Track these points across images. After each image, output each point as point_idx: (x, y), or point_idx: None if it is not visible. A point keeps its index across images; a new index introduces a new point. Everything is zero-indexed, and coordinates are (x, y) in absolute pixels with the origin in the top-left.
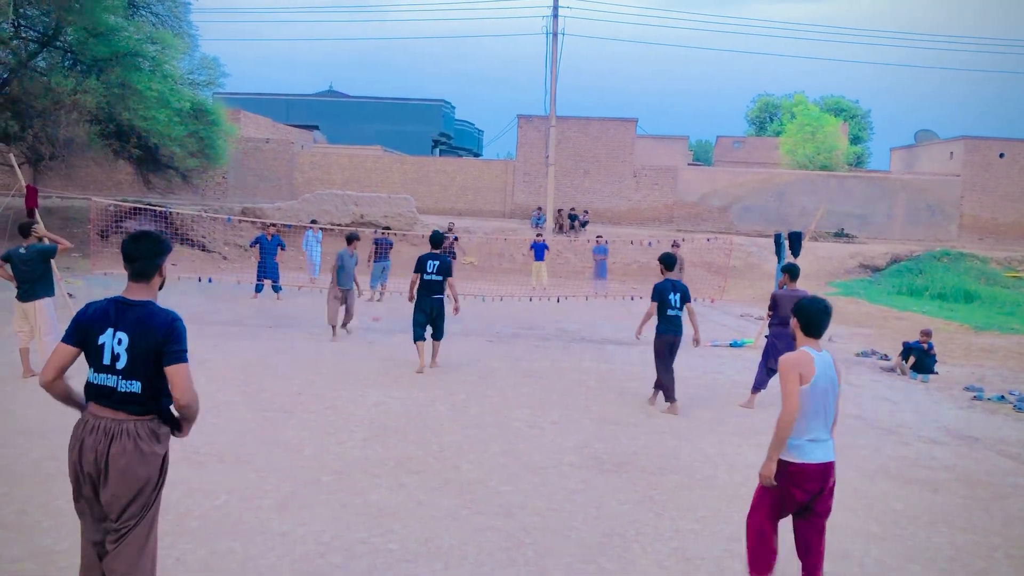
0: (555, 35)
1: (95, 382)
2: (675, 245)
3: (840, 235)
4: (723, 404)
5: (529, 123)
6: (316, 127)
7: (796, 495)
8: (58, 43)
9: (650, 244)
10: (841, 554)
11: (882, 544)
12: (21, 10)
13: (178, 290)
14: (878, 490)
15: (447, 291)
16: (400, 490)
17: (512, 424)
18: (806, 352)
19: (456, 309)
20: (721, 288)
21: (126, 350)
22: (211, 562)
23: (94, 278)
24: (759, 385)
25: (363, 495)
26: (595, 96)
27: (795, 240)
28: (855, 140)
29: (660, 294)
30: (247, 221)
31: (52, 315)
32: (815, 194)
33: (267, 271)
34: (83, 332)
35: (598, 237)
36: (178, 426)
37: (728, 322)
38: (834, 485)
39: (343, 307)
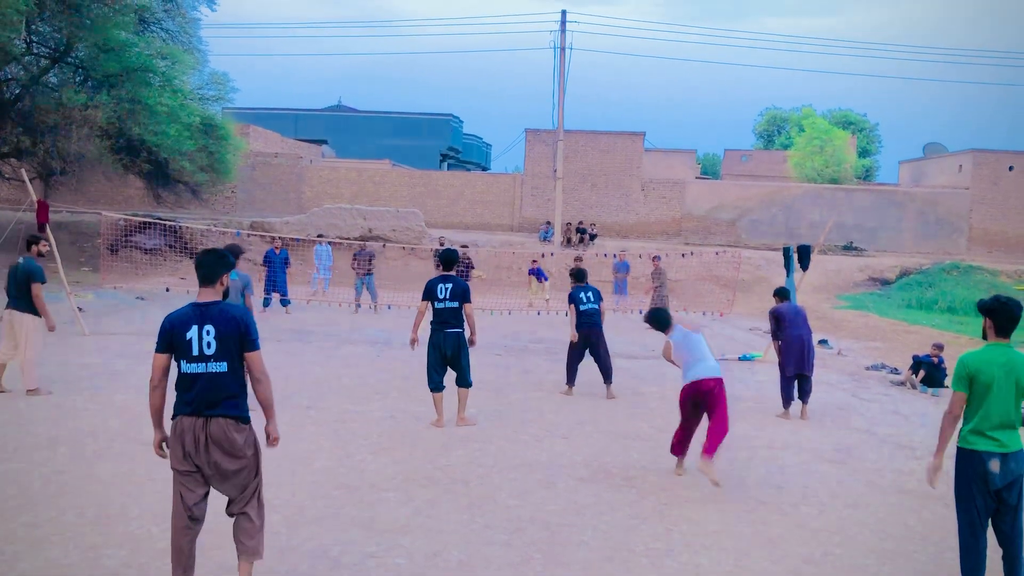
0: (563, 49)
1: (188, 371)
2: (656, 259)
3: (849, 248)
4: (733, 418)
5: (537, 137)
6: (325, 141)
7: (695, 397)
8: (69, 59)
9: (658, 258)
10: (854, 570)
11: (895, 560)
12: (33, 26)
13: (186, 302)
14: (890, 506)
15: (466, 321)
16: (408, 504)
17: (521, 438)
18: (668, 340)
19: (472, 340)
20: (730, 302)
21: (215, 338)
22: None
23: (104, 292)
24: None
25: (372, 509)
26: (602, 109)
27: (804, 254)
28: (863, 153)
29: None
30: (256, 235)
31: (38, 335)
32: (824, 207)
33: (275, 285)
34: (169, 337)
35: (620, 252)
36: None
37: (737, 336)
38: (720, 394)
39: None
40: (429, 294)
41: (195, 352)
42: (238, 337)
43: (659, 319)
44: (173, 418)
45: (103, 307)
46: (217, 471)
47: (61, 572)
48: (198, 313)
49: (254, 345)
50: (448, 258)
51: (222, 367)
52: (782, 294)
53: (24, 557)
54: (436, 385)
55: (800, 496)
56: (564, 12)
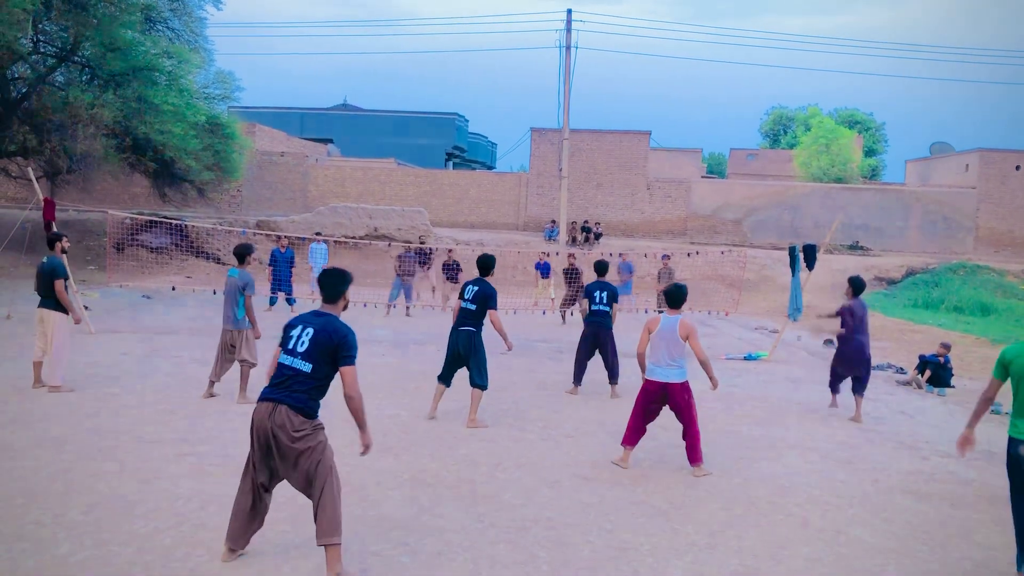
0: (568, 48)
1: (280, 361)
2: (665, 258)
3: (855, 248)
4: (738, 418)
5: (542, 136)
6: (330, 140)
7: (642, 397)
8: (76, 58)
9: (667, 257)
10: (858, 570)
11: (899, 559)
12: (40, 26)
13: (193, 301)
14: (895, 505)
15: (495, 325)
16: (413, 503)
17: (526, 437)
18: (657, 316)
19: (508, 344)
20: (735, 301)
21: (309, 340)
22: (225, 574)
23: (110, 290)
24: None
25: (377, 508)
26: (608, 109)
27: (810, 253)
28: (870, 152)
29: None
30: (262, 234)
31: (65, 332)
32: (830, 207)
33: (281, 283)
34: (285, 331)
35: (621, 254)
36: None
37: (743, 335)
38: (684, 400)
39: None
40: (461, 293)
41: (290, 346)
42: (332, 347)
43: (682, 295)
44: (257, 402)
45: (109, 306)
46: (279, 456)
47: (68, 570)
48: (310, 316)
49: (348, 360)
50: (482, 264)
51: (306, 367)
52: (856, 286)
53: (31, 554)
54: (441, 378)
55: (805, 496)
56: (570, 11)
